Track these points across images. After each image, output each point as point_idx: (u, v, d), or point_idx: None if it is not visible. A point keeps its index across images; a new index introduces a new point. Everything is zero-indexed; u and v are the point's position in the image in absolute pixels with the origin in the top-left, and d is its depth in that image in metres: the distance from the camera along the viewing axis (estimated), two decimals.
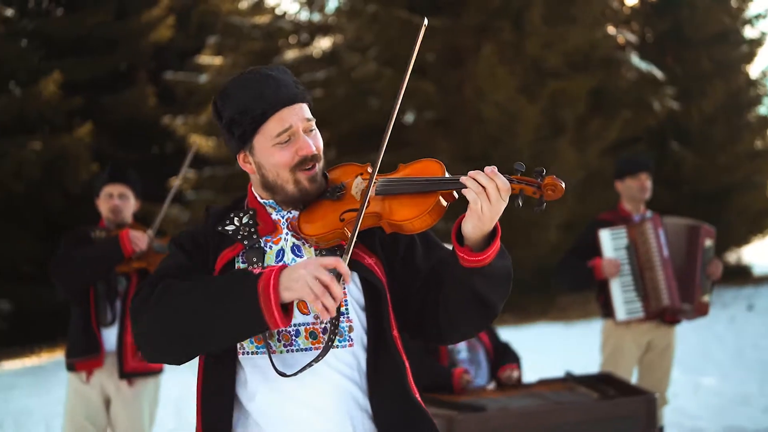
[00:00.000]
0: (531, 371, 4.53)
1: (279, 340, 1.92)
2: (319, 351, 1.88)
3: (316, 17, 16.19)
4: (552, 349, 9.39)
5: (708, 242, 4.83)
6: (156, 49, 16.79)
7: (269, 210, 2.05)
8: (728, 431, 5.86)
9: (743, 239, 17.71)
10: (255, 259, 1.95)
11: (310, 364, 1.85)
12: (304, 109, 1.98)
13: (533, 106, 12.77)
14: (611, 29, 15.22)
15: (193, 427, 2.02)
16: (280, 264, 1.91)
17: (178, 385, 7.15)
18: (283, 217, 2.04)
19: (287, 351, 1.92)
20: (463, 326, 2.00)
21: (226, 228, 2.00)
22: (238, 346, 1.93)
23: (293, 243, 2.00)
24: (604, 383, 4.10)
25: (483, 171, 1.81)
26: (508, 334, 8.16)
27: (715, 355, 8.94)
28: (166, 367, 4.09)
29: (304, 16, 16.23)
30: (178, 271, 1.93)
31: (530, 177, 1.86)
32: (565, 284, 5.15)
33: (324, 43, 15.76)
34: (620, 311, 4.71)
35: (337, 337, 1.92)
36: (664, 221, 4.78)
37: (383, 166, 1.92)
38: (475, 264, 1.85)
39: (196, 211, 13.73)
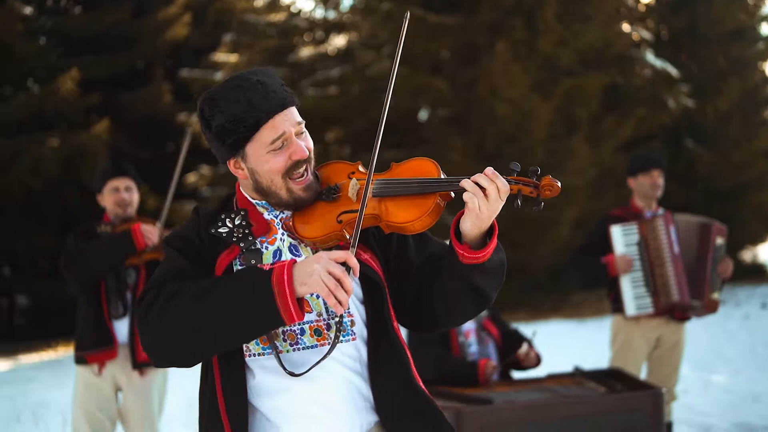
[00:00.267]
0: (543, 368, 4.56)
1: (284, 340, 1.94)
2: (327, 347, 1.92)
3: (331, 15, 16.24)
4: (565, 347, 9.39)
5: (719, 240, 4.85)
6: (172, 47, 16.90)
7: (261, 210, 2.05)
8: (738, 428, 5.87)
9: (758, 237, 17.59)
10: (253, 261, 1.95)
11: (319, 362, 1.89)
12: (294, 113, 1.99)
13: (547, 104, 12.77)
14: (626, 26, 15.17)
15: None
16: (291, 259, 1.92)
17: (191, 378, 7.21)
18: (276, 217, 2.04)
19: (294, 350, 1.95)
20: (459, 315, 2.06)
21: (220, 230, 1.99)
22: (244, 348, 1.94)
23: (290, 243, 2.01)
24: (613, 378, 4.13)
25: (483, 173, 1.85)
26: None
27: (727, 352, 8.93)
28: None
29: (319, 13, 16.28)
30: (179, 275, 1.91)
31: (527, 177, 1.89)
32: (577, 280, 5.20)
33: (339, 41, 15.81)
34: (630, 306, 4.74)
35: (341, 332, 1.96)
36: (676, 218, 4.81)
37: (375, 165, 1.93)
38: (474, 261, 1.90)
39: None
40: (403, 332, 2.11)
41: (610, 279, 4.84)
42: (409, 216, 1.90)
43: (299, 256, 2.00)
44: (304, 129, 2.02)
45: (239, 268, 1.96)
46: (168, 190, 4.31)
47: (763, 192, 16.41)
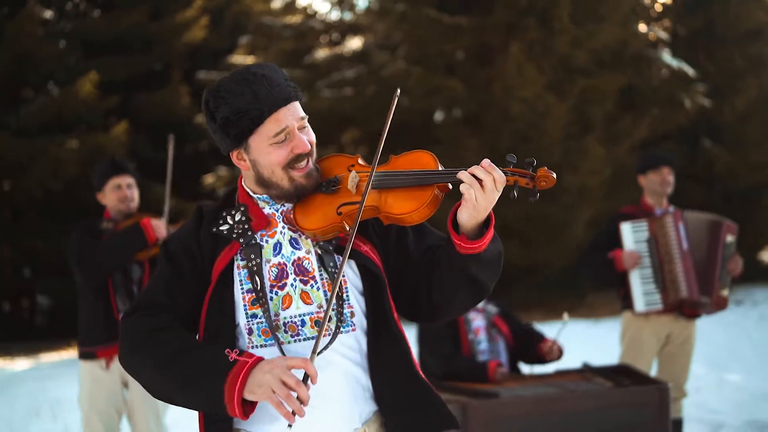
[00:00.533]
0: (556, 366, 4.60)
1: (286, 332, 1.99)
2: (328, 338, 1.96)
3: (347, 16, 16.32)
4: (579, 346, 9.37)
5: (729, 238, 4.86)
6: (190, 49, 17.01)
7: (261, 204, 2.09)
8: (749, 426, 5.86)
9: None
10: (253, 256, 2.00)
11: (320, 353, 1.91)
12: (297, 108, 2.03)
13: (562, 104, 12.74)
14: (642, 26, 15.12)
15: None
16: (255, 358, 1.88)
17: None
18: (277, 211, 2.08)
19: (295, 341, 1.99)
20: (457, 306, 2.09)
21: (221, 228, 2.05)
22: (247, 340, 2.00)
23: (291, 236, 2.05)
24: (620, 374, 4.15)
25: (480, 165, 1.88)
26: None
27: (742, 351, 8.89)
28: None
29: (335, 15, 16.37)
30: (166, 295, 2.02)
31: (523, 168, 1.92)
32: (588, 276, 5.25)
33: (354, 43, 15.88)
34: (639, 302, 4.77)
35: (341, 324, 2.00)
36: (686, 215, 4.83)
37: (373, 157, 1.97)
38: (472, 251, 1.93)
39: None
40: (411, 326, 2.15)
41: (619, 275, 4.87)
42: (407, 207, 1.93)
43: (299, 249, 2.04)
44: (307, 124, 2.06)
45: (240, 263, 2.01)
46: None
47: None
